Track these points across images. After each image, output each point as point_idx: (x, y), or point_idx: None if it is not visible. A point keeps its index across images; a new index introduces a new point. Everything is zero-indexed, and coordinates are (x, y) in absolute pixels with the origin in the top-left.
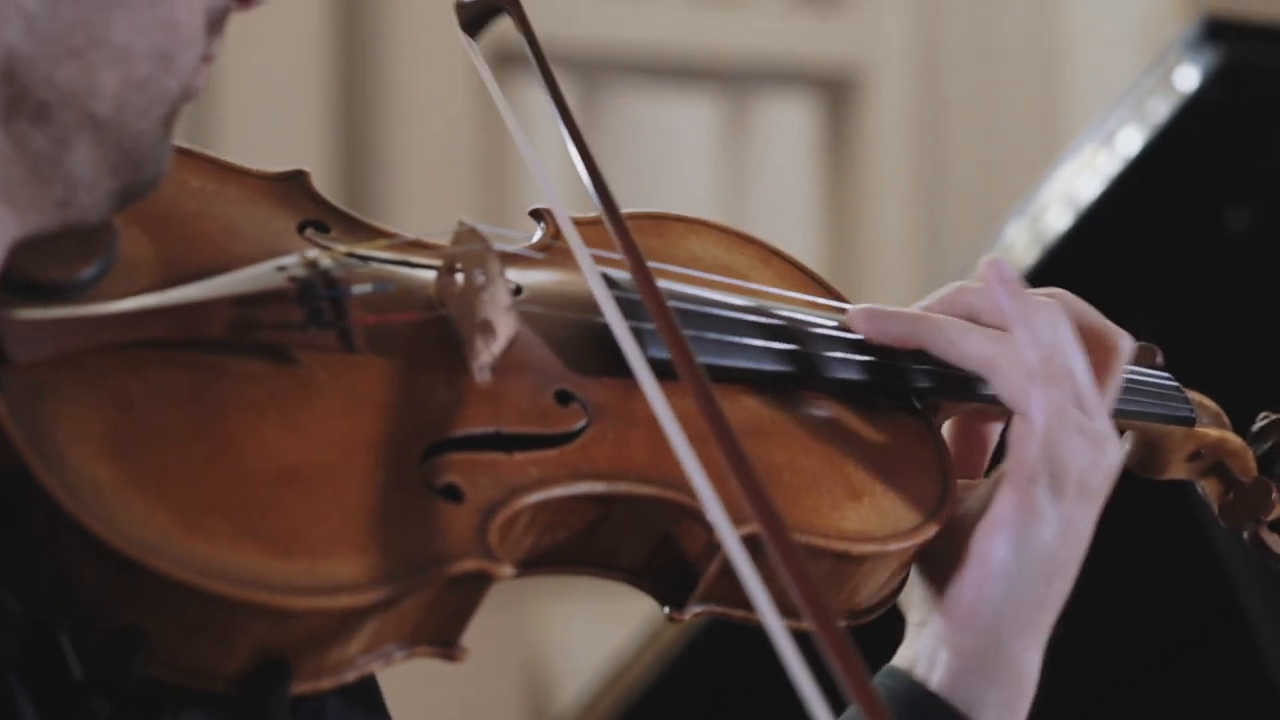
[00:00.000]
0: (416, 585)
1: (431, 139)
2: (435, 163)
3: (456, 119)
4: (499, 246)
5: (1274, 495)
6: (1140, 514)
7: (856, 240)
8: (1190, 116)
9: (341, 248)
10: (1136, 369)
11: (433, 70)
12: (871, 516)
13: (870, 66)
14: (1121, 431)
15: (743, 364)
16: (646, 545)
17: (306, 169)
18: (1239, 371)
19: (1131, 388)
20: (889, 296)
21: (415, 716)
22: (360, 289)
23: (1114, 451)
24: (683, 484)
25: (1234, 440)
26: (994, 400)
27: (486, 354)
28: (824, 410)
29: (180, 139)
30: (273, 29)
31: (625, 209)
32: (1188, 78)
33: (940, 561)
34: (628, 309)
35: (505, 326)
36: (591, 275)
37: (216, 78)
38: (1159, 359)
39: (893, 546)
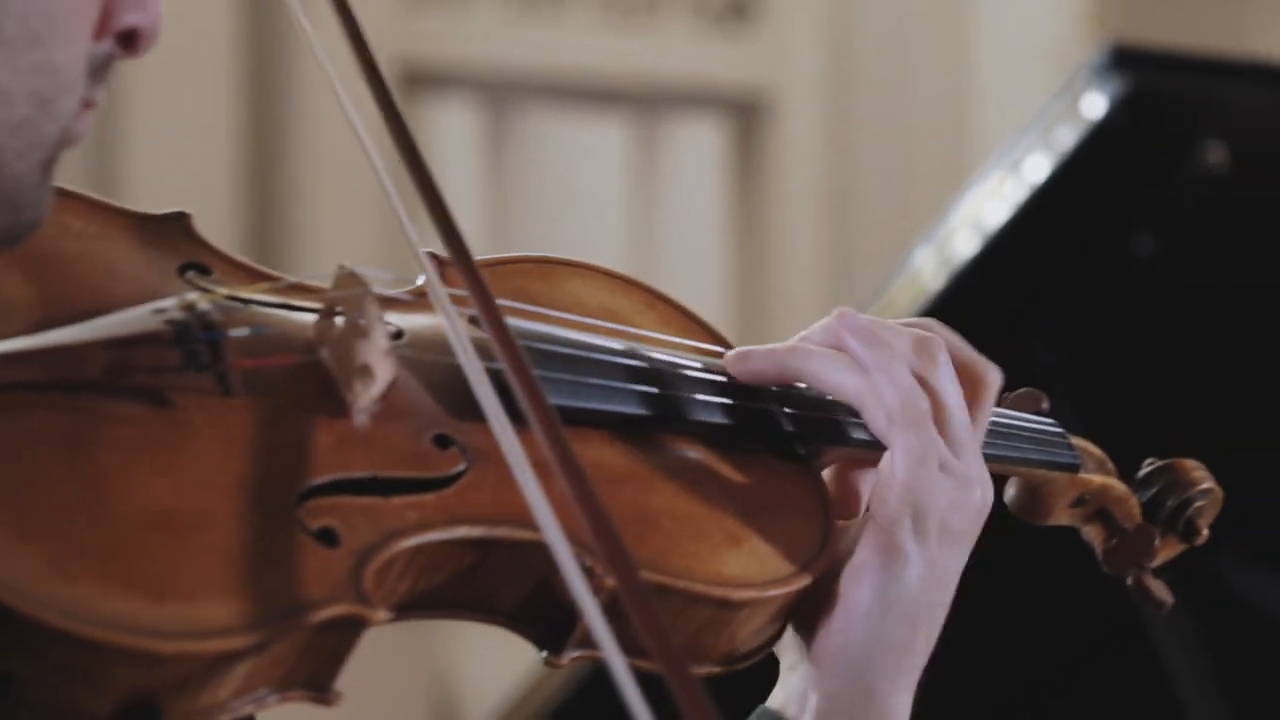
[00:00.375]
0: (287, 630)
1: (338, 181)
2: (342, 204)
3: (363, 161)
4: (381, 291)
5: (1156, 541)
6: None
7: (766, 262)
8: (1096, 144)
9: (222, 290)
10: (1020, 415)
11: (345, 162)
12: (751, 563)
13: (780, 90)
14: (1005, 478)
15: (605, 407)
16: (525, 589)
17: (189, 211)
18: (1143, 397)
19: (1013, 433)
20: (798, 318)
21: None
22: (237, 332)
23: (981, 492)
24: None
25: (1118, 487)
26: (868, 445)
27: (365, 398)
28: (703, 456)
29: (86, 178)
30: (181, 71)
31: (522, 252)
32: (1094, 105)
33: (809, 605)
34: (486, 352)
35: (383, 371)
36: (446, 316)
37: (123, 119)
38: (1044, 404)
39: (771, 593)
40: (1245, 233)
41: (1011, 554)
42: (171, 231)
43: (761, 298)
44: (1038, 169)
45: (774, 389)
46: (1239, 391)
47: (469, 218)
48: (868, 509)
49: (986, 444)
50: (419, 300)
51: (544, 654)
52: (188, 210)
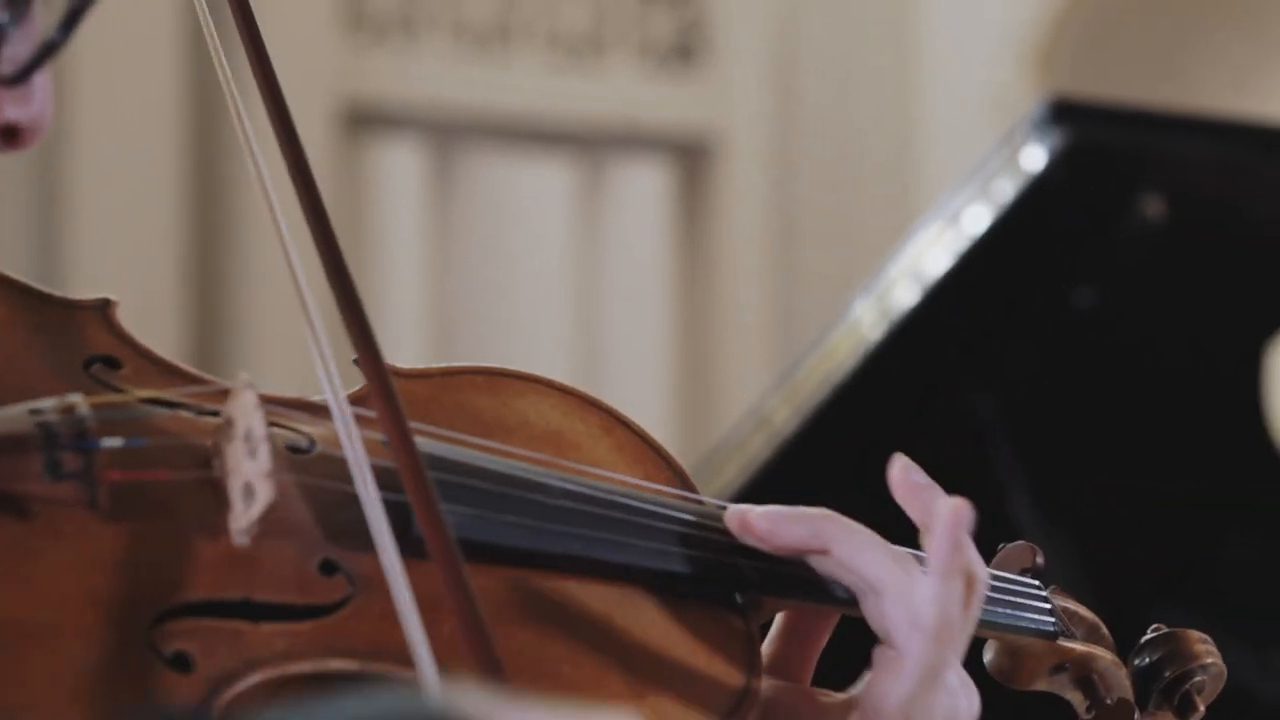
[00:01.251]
0: None
1: (281, 283)
2: (285, 305)
3: (312, 259)
4: (295, 399)
5: (1135, 718)
6: None
7: (709, 304)
8: (1035, 196)
9: (128, 389)
10: (1005, 575)
11: (290, 199)
12: (650, 718)
13: (725, 132)
14: (984, 640)
15: (517, 544)
16: None
17: (114, 298)
18: (1080, 449)
19: (995, 599)
20: (741, 360)
21: None
22: (110, 443)
23: (967, 702)
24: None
25: (1103, 657)
26: (838, 603)
27: (244, 518)
28: (625, 599)
29: (31, 248)
30: (126, 164)
31: (476, 363)
32: (1033, 158)
33: None
34: (391, 478)
35: (265, 492)
36: (346, 437)
37: (66, 206)
38: (1038, 559)
39: None
40: (1183, 285)
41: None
42: (89, 320)
43: (705, 339)
44: (977, 221)
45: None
46: (1175, 445)
47: (413, 256)
48: (853, 694)
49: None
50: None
51: None
52: (115, 299)
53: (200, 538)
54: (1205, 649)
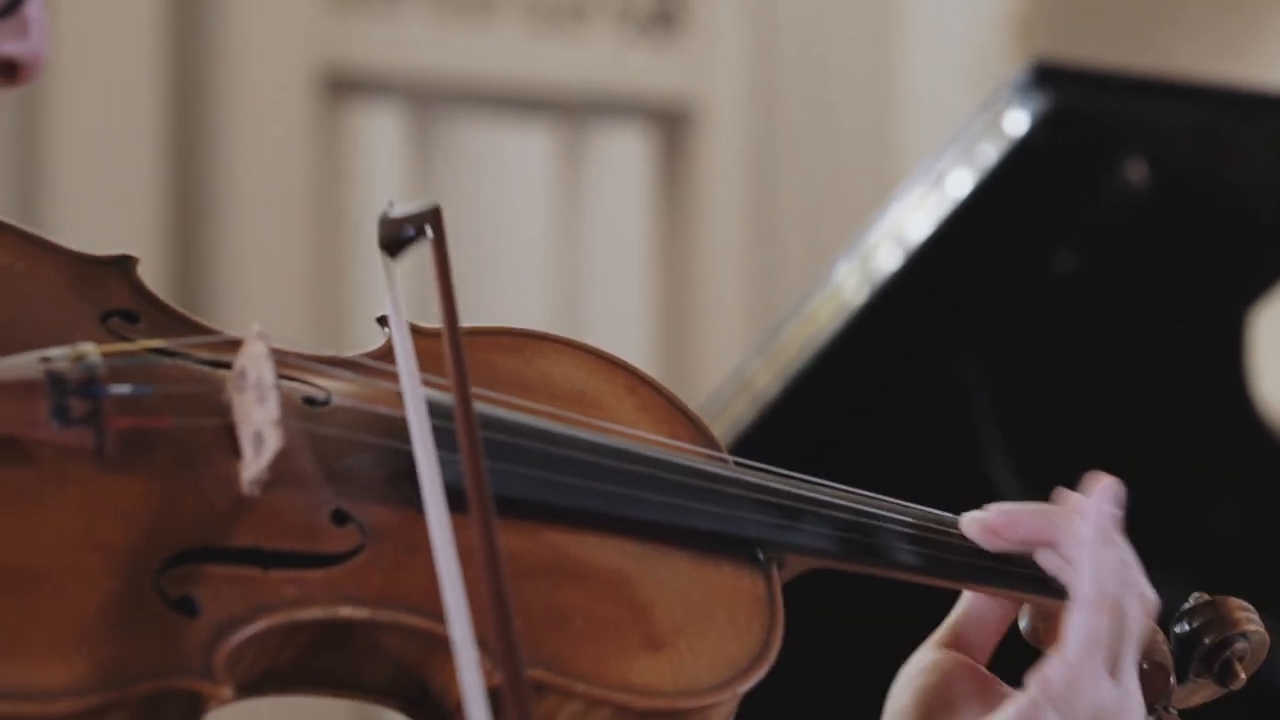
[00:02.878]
0: (121, 700)
1: (267, 238)
2: (271, 266)
3: (292, 225)
4: (311, 352)
5: (1171, 683)
6: None
7: (690, 270)
8: (1018, 160)
9: (142, 341)
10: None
11: (270, 165)
12: (665, 671)
13: (705, 99)
14: (1019, 605)
15: (541, 497)
16: (393, 671)
17: (136, 255)
18: (1063, 411)
19: (1025, 559)
20: (723, 325)
21: None
22: (118, 389)
23: (1136, 713)
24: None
25: None
26: (902, 568)
27: (255, 466)
28: (646, 552)
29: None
30: (106, 121)
31: (482, 322)
32: (1016, 122)
33: None
34: (440, 437)
35: (273, 439)
36: (412, 402)
37: (48, 160)
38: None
39: (684, 704)
40: (1165, 250)
41: None
42: (108, 275)
43: (686, 304)
44: (960, 184)
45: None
46: (1156, 407)
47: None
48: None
49: (994, 564)
50: (357, 367)
51: None
52: (136, 256)
53: (210, 485)
54: (1246, 615)
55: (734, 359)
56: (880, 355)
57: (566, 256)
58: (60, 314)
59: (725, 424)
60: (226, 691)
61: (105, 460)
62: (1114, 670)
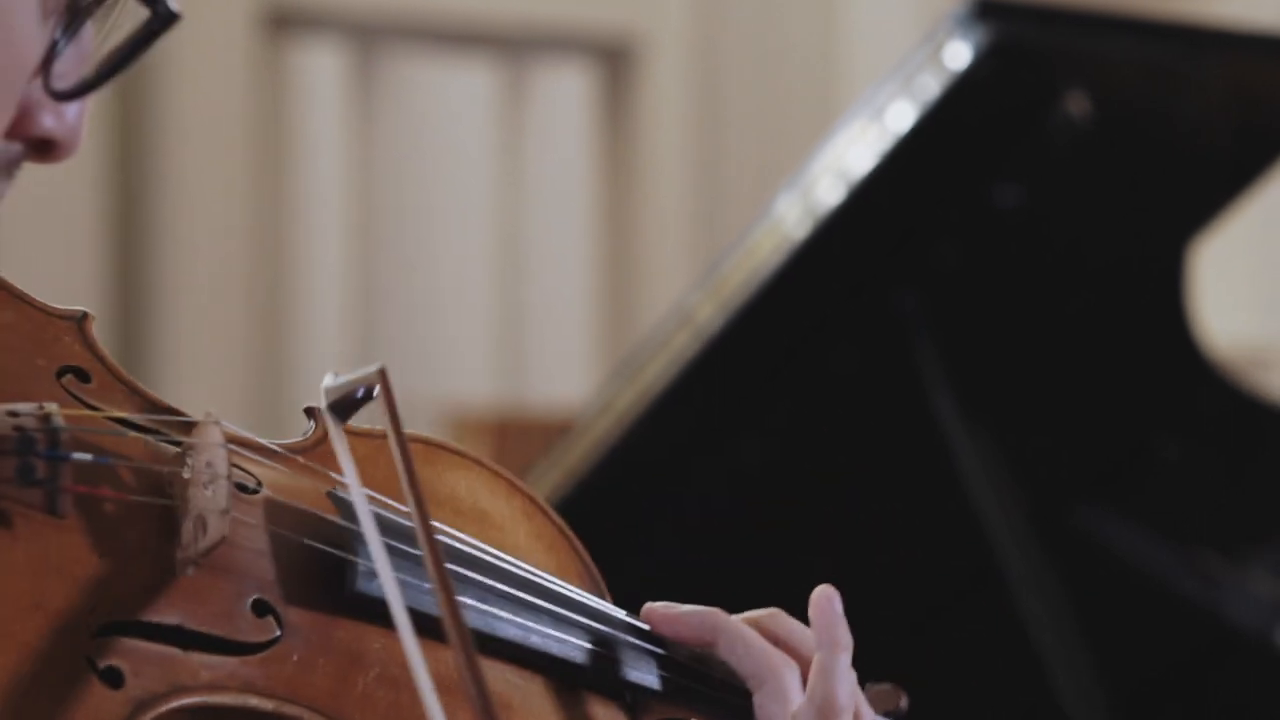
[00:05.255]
0: None
1: (208, 175)
2: (212, 194)
3: (234, 162)
4: (252, 440)
5: None
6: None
7: (633, 206)
8: (959, 94)
9: (100, 406)
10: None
11: (211, 102)
12: None
13: (648, 35)
14: None
15: (430, 613)
16: None
17: (91, 312)
18: (1004, 348)
19: None
20: (666, 264)
21: None
22: (80, 457)
23: None
24: None
25: None
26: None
27: (192, 549)
28: (521, 679)
29: None
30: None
31: (417, 431)
32: (958, 55)
33: None
34: (392, 554)
35: (216, 528)
36: (366, 519)
37: None
38: (903, 703)
39: None
40: (1107, 185)
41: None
42: (66, 330)
43: (628, 239)
44: (901, 118)
45: (642, 641)
46: (1096, 345)
47: (336, 159)
48: None
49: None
50: (292, 456)
51: None
52: (91, 313)
53: (148, 561)
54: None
55: (676, 291)
56: (822, 289)
57: (509, 192)
58: (17, 365)
59: (667, 358)
60: None
61: (58, 522)
62: None
